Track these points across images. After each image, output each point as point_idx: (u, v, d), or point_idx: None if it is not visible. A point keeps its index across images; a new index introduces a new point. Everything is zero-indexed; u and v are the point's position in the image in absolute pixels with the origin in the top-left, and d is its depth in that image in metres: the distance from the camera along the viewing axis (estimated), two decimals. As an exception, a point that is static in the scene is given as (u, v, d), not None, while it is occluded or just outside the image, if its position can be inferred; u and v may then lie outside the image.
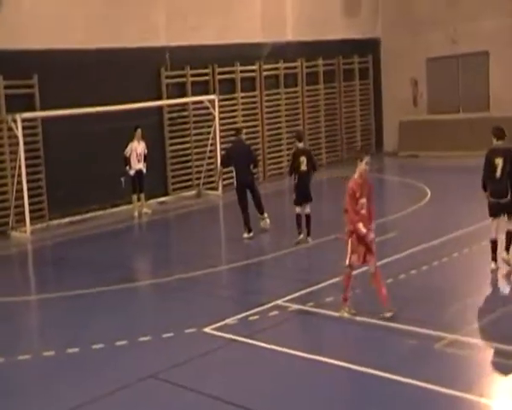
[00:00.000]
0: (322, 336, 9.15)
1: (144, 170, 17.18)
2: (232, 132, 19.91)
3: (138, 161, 17.06)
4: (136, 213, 17.18)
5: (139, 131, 16.92)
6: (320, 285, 10.62)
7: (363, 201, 9.18)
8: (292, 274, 11.63)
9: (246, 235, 14.05)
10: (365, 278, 10.77)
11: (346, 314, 9.26)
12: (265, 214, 14.62)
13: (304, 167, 13.23)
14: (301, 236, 13.31)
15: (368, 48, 24.28)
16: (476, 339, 8.64)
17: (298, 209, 13.46)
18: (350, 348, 8.71)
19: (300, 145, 13.54)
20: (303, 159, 13.23)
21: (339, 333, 9.15)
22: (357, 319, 9.22)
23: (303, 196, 13.37)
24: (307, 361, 8.11)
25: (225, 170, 15.62)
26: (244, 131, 15.22)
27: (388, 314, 9.05)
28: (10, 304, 11.14)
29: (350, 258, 9.17)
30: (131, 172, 16.99)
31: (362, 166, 9.18)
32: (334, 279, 10.69)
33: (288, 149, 22.03)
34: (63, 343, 9.08)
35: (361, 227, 9.02)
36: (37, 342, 9.80)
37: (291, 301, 10.05)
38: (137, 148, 17.00)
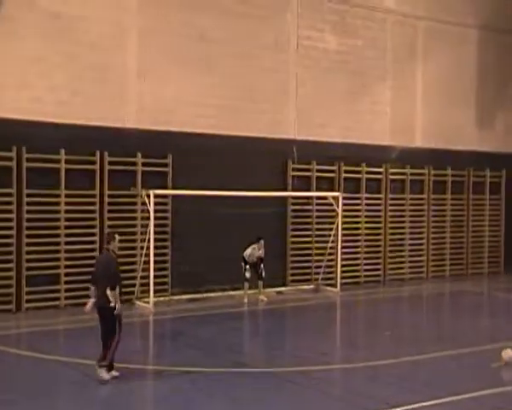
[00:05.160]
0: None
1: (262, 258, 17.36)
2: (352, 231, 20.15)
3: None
4: (245, 300, 17.20)
5: (262, 242, 17.18)
6: (439, 401, 9.88)
7: None
8: (409, 384, 10.91)
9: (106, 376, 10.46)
10: (488, 403, 10.00)
11: None
12: (102, 372, 10.44)
13: None
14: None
15: (501, 162, 23.65)
16: None
17: None
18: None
19: None
20: None
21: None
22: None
23: None
24: None
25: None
26: (117, 238, 10.85)
27: None
28: (126, 370, 11.11)
29: None
30: (247, 274, 17.19)
31: None
32: (456, 397, 10.04)
33: (410, 256, 21.66)
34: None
35: None
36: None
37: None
38: (256, 253, 17.27)
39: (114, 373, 10.53)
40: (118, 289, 10.43)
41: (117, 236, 10.93)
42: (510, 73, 24.00)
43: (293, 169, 19.29)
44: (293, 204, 19.35)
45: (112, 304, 10.36)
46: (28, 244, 15.08)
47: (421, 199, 22.07)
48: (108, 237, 10.98)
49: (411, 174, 21.71)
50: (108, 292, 10.33)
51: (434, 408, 9.66)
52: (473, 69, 23.04)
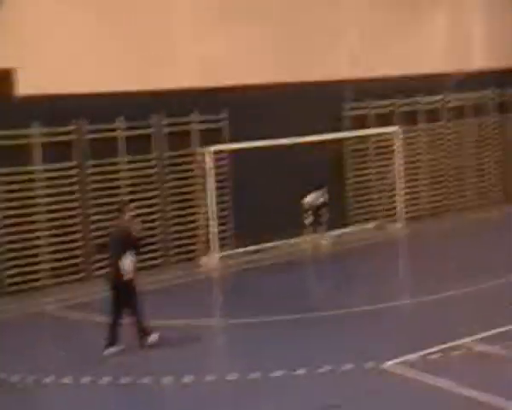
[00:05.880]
0: (506, 380, 8.57)
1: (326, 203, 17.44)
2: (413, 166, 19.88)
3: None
4: (308, 246, 17.36)
5: (324, 189, 17.30)
6: (510, 327, 10.10)
7: None
8: (481, 313, 11.19)
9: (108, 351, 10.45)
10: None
11: None
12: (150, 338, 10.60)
13: None
14: None
15: None
16: None
17: None
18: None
19: None
20: None
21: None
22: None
23: None
24: (489, 407, 7.75)
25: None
26: (131, 206, 11.24)
27: None
28: (197, 327, 11.74)
29: None
30: (309, 220, 17.30)
31: None
32: None
33: (474, 183, 21.29)
34: (245, 368, 9.40)
35: None
36: (221, 365, 10.28)
37: (477, 341, 9.68)
38: (319, 200, 17.38)
39: (154, 336, 10.53)
40: (130, 259, 10.36)
41: (131, 205, 11.00)
42: None
43: (350, 109, 19.00)
44: (351, 144, 19.13)
45: (126, 276, 10.34)
46: (94, 213, 15.48)
47: (485, 122, 21.46)
48: (121, 207, 10.96)
49: (471, 99, 21.07)
50: (121, 263, 10.30)
51: (505, 335, 9.82)
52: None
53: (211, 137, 16.61)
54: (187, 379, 9.19)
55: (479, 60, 21.12)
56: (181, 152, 16.49)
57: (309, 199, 17.32)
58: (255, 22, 17.21)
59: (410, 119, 19.99)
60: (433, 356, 9.28)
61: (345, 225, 18.93)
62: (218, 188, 16.72)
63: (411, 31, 19.91)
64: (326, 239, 17.75)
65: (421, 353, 9.36)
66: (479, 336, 9.84)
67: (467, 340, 9.73)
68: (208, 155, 16.16)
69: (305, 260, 16.87)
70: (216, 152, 16.47)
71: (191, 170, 16.74)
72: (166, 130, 16.28)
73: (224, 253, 16.76)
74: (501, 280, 12.76)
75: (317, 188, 17.33)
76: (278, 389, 8.83)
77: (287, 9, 17.71)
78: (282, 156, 17.15)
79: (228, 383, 9.12)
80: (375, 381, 8.78)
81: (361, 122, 19.22)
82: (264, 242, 17.24)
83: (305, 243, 17.51)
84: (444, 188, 20.77)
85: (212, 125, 16.85)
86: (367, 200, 19.43)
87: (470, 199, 21.33)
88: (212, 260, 16.32)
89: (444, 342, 9.62)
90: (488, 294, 12.21)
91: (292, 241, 17.65)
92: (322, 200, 17.41)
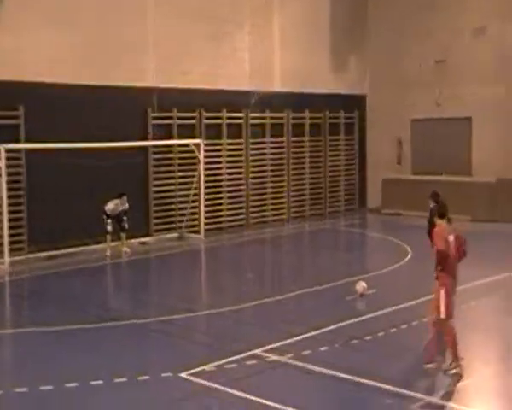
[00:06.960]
0: (297, 389, 8.96)
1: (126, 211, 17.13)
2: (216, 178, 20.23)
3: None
4: (108, 253, 16.98)
5: (125, 198, 16.93)
6: (300, 337, 10.53)
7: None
8: (272, 324, 11.51)
9: None
10: (345, 333, 10.74)
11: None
12: None
13: None
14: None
15: (354, 104, 24.59)
16: (452, 403, 8.50)
17: None
18: (326, 405, 8.57)
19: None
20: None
21: (315, 387, 9.00)
22: (337, 374, 9.11)
23: None
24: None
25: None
26: None
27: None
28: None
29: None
30: (109, 228, 16.88)
31: None
32: (315, 332, 10.63)
33: (272, 198, 22.13)
34: (36, 380, 8.88)
35: None
36: (9, 378, 9.56)
37: (270, 351, 9.93)
38: (119, 208, 17.02)
39: None
40: None
41: None
42: (360, 18, 24.64)
43: (154, 118, 18.89)
44: (155, 153, 19.06)
45: None
46: None
47: (281, 142, 22.43)
48: None
49: (271, 118, 21.95)
50: None
51: (296, 345, 10.20)
52: (326, 15, 23.42)
53: (5, 134, 15.59)
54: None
55: (278, 83, 22.01)
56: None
57: (110, 206, 16.92)
58: (64, 24, 16.57)
59: (214, 132, 20.29)
60: (229, 366, 9.39)
61: (147, 234, 18.75)
62: (12, 189, 15.75)
63: (219, 46, 20.25)
64: (127, 247, 17.42)
65: (217, 363, 9.41)
66: (273, 345, 10.10)
67: (261, 350, 9.94)
68: (1, 153, 15.13)
69: (105, 268, 16.41)
70: (10, 150, 15.49)
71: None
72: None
73: (18, 258, 15.78)
74: (296, 292, 13.26)
75: (118, 195, 16.98)
76: (73, 401, 8.42)
77: (95, 14, 17.26)
78: (84, 159, 16.54)
79: (17, 396, 8.53)
80: (172, 390, 8.68)
81: (166, 131, 19.18)
82: (63, 247, 16.53)
83: (105, 250, 17.04)
84: (244, 202, 21.30)
85: (8, 122, 15.84)
86: (170, 210, 19.40)
87: (269, 214, 22.09)
88: (1, 265, 15.27)
89: (239, 353, 9.77)
90: (282, 305, 12.67)
91: (92, 247, 17.11)
92: (123, 208, 17.10)
